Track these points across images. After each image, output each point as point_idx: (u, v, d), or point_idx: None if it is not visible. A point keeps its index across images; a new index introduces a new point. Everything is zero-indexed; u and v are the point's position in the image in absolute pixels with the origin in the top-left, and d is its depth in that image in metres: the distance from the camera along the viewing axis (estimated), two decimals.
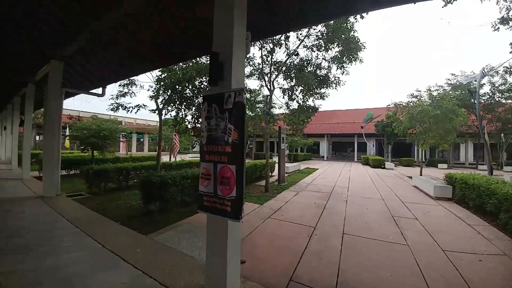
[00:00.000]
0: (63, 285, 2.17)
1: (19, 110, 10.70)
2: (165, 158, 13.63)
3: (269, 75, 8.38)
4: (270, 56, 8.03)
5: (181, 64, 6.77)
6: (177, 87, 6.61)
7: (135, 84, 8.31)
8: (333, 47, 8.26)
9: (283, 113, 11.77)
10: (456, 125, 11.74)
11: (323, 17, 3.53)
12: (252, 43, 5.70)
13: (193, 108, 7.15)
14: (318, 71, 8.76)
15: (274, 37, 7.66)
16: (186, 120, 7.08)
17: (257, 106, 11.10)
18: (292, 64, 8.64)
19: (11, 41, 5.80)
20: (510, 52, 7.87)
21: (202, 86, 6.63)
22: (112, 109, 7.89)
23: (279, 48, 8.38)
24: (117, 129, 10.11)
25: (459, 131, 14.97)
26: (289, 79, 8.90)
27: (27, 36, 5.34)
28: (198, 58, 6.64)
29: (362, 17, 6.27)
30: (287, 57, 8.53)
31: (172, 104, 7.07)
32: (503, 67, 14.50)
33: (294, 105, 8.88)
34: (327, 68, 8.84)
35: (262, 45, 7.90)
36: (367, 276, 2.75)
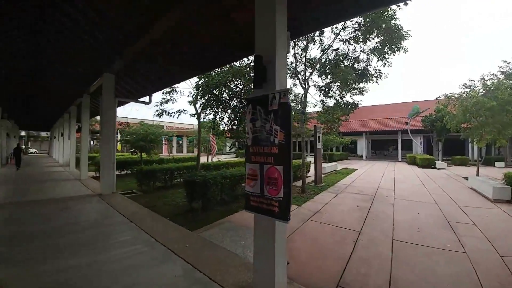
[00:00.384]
0: (125, 275, 2.43)
1: (76, 118, 12.32)
2: (203, 159, 14.40)
3: (302, 73, 8.21)
4: (304, 53, 7.85)
5: (217, 70, 7.08)
6: (214, 91, 6.92)
7: (175, 91, 8.96)
8: (372, 38, 7.72)
9: (317, 112, 11.41)
10: None
11: (365, 8, 3.32)
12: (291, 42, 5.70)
13: (229, 111, 7.40)
14: (356, 65, 8.28)
15: (308, 34, 7.48)
16: (223, 123, 7.35)
17: None
18: (327, 60, 8.33)
19: (72, 59, 6.76)
20: None
21: (237, 89, 6.82)
22: (157, 115, 8.62)
23: (313, 44, 8.16)
24: (161, 133, 11.04)
25: None
26: (323, 76, 8.60)
27: (85, 53, 6.16)
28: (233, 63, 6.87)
29: (406, 3, 5.73)
30: (321, 53, 8.26)
31: (209, 108, 7.42)
32: None
33: (330, 102, 8.52)
34: (366, 61, 8.31)
35: (295, 43, 7.79)
36: (422, 285, 2.50)
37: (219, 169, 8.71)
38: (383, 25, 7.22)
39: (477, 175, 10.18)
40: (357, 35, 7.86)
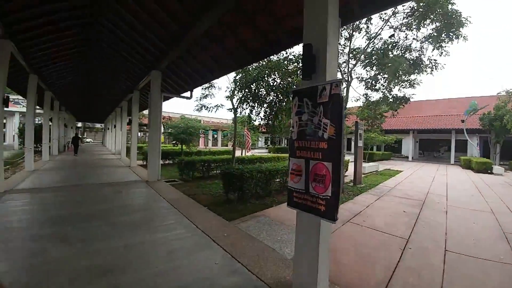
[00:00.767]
0: (170, 257, 2.59)
1: (126, 112, 13.66)
2: (237, 153, 14.76)
3: (344, 65, 7.70)
4: (349, 43, 7.33)
5: (254, 64, 7.06)
6: (251, 86, 6.95)
7: (214, 86, 9.28)
8: (427, 25, 6.85)
9: (359, 107, 10.66)
10: None
11: None
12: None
13: (265, 105, 7.37)
14: (407, 54, 7.46)
15: (357, 21, 6.96)
16: (259, 117, 7.37)
17: None
18: (373, 49, 7.65)
19: (127, 60, 7.45)
20: None
21: (275, 83, 6.73)
22: (197, 110, 9.06)
23: (358, 33, 7.57)
24: (199, 127, 11.63)
25: None
26: (369, 67, 7.94)
27: (137, 53, 6.73)
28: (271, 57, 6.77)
29: None
30: (367, 41, 7.62)
31: (246, 103, 7.50)
32: None
33: (375, 96, 7.86)
34: (419, 50, 7.41)
35: (339, 32, 7.33)
36: None
37: (253, 163, 8.82)
38: (439, 10, 6.34)
39: None
40: (409, 21, 7.04)
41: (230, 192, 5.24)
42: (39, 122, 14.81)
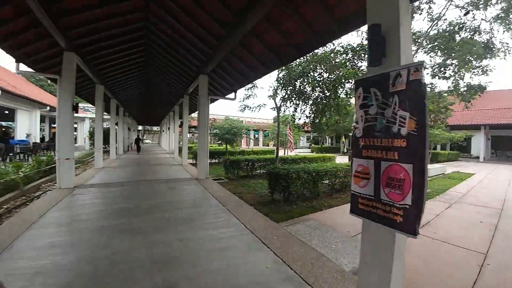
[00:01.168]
0: (220, 256, 2.59)
1: (178, 115, 14.84)
2: (279, 153, 14.61)
3: None
4: None
5: (298, 60, 6.77)
6: (295, 82, 6.68)
7: (256, 86, 9.31)
8: (493, 4, 5.59)
9: None
10: None
11: None
12: None
13: (310, 102, 7.00)
14: (476, 37, 6.18)
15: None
16: (304, 115, 7.05)
17: None
18: (438, 32, 6.55)
19: (178, 68, 8.02)
20: None
21: (321, 78, 6.33)
22: (240, 110, 9.24)
23: (420, 14, 6.56)
24: (242, 127, 11.88)
25: None
26: (433, 53, 6.82)
27: (187, 61, 7.17)
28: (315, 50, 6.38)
29: None
30: (430, 23, 6.55)
31: (289, 101, 7.26)
32: None
33: (439, 86, 6.71)
34: (489, 31, 6.07)
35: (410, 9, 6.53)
36: None
37: (297, 163, 8.52)
38: None
39: None
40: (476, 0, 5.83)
41: (276, 193, 5.12)
42: (107, 126, 17.38)
